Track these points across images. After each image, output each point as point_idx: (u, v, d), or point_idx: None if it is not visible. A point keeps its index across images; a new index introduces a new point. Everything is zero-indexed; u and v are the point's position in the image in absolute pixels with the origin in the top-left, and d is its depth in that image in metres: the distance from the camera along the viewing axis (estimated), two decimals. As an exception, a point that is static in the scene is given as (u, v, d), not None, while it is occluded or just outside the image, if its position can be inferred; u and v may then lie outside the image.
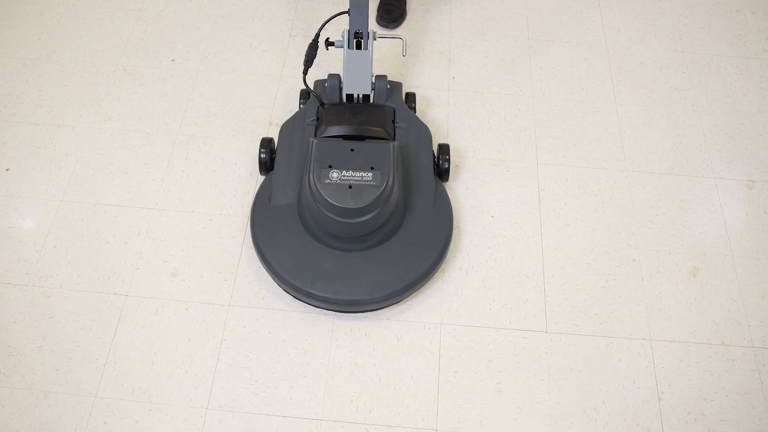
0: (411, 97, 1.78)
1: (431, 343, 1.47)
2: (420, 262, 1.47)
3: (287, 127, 1.65)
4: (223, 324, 1.48)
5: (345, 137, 1.57)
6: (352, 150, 1.47)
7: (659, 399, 1.41)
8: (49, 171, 1.72)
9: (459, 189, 1.72)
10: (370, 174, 1.43)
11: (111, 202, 1.67)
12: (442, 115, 1.87)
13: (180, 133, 1.81)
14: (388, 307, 1.50)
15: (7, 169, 1.72)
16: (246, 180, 1.72)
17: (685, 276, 1.59)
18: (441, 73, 1.97)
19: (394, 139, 1.61)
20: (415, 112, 1.76)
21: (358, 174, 1.43)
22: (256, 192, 1.60)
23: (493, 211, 1.68)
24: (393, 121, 1.64)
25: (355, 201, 1.39)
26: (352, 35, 1.56)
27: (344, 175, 1.43)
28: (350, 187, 1.41)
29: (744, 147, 1.84)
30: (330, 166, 1.44)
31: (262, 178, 1.70)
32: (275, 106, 1.87)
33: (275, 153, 1.63)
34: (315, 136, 1.61)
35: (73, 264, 1.56)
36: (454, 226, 1.62)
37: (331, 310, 1.48)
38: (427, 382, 1.41)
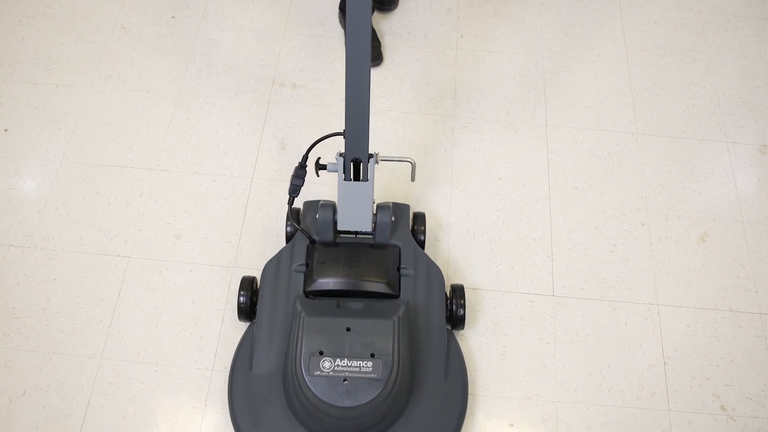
0: (420, 220, 1.48)
1: (437, 307, 1.46)
2: None
3: (271, 269, 1.37)
4: (228, 286, 1.47)
5: (338, 293, 1.32)
6: (348, 329, 1.21)
7: (665, 364, 1.41)
8: (48, 131, 1.69)
9: (466, 150, 1.68)
10: (369, 363, 1.17)
11: (112, 163, 1.64)
12: (450, 76, 1.82)
13: (181, 93, 1.77)
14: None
15: (5, 130, 1.69)
16: (249, 140, 1.69)
17: (694, 241, 1.57)
18: (449, 31, 1.92)
19: (400, 291, 1.34)
20: (425, 237, 1.47)
21: (355, 364, 1.17)
22: (235, 349, 1.34)
23: (501, 173, 1.65)
24: (398, 267, 1.37)
25: (351, 399, 1.15)
26: (348, 163, 1.24)
27: (338, 366, 1.16)
28: (345, 380, 1.16)
29: (758, 111, 1.80)
30: (321, 353, 1.18)
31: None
32: (278, 64, 1.83)
33: (257, 296, 1.37)
34: (303, 287, 1.33)
35: (75, 226, 1.54)
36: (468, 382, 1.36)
37: None
38: (433, 346, 1.41)
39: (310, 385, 1.16)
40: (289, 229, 1.46)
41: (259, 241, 1.53)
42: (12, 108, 1.72)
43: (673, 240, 1.57)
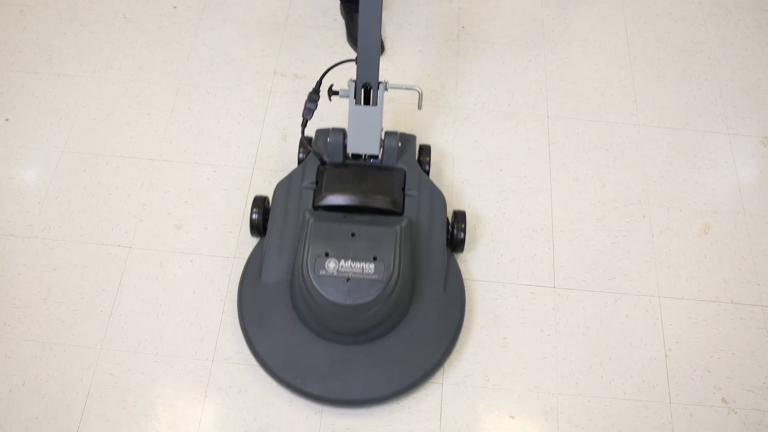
0: (425, 151, 1.51)
1: (438, 298, 1.42)
2: (424, 359, 1.28)
3: (283, 188, 1.41)
4: (229, 276, 1.43)
5: (346, 208, 1.35)
6: (353, 235, 1.25)
7: (666, 356, 1.37)
8: (49, 121, 1.65)
9: (468, 141, 1.64)
10: (372, 265, 1.21)
11: (113, 153, 1.60)
12: (451, 67, 1.78)
13: (182, 83, 1.72)
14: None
15: (6, 120, 1.65)
16: (250, 131, 1.64)
17: (695, 233, 1.53)
18: (450, 22, 1.87)
19: (403, 210, 1.37)
20: (429, 167, 1.50)
21: (358, 265, 1.21)
22: (246, 260, 1.38)
23: (502, 165, 1.61)
24: (403, 189, 1.40)
25: (353, 297, 1.19)
26: (359, 87, 1.30)
27: (342, 266, 1.21)
28: (348, 280, 1.20)
29: (760, 103, 1.75)
30: (327, 254, 1.23)
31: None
32: (280, 55, 1.78)
33: (269, 214, 1.40)
34: (313, 202, 1.38)
35: (76, 216, 1.50)
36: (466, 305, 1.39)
37: (323, 406, 1.28)
38: (434, 337, 1.37)
39: (315, 284, 1.20)
40: (301, 155, 1.49)
41: (260, 231, 1.49)
42: (13, 98, 1.68)
43: (675, 232, 1.53)
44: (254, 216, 1.39)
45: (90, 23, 1.82)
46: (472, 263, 1.47)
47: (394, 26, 1.85)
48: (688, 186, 1.60)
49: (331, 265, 1.21)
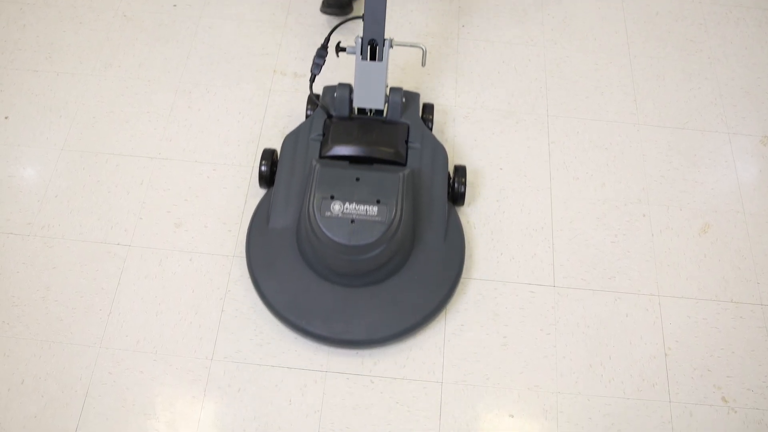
0: (428, 109, 1.57)
1: (437, 297, 1.41)
2: (425, 302, 1.32)
3: (290, 140, 1.46)
4: (228, 275, 1.42)
5: (352, 158, 1.40)
6: (358, 179, 1.30)
7: (666, 355, 1.36)
8: (49, 119, 1.63)
9: (467, 140, 1.63)
10: (375, 208, 1.26)
11: (113, 151, 1.58)
12: (451, 65, 1.76)
13: (182, 81, 1.71)
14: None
15: (6, 118, 1.63)
16: (250, 129, 1.63)
17: (695, 232, 1.52)
18: (450, 21, 1.85)
19: (406, 162, 1.42)
20: (432, 124, 1.56)
21: (362, 207, 1.26)
22: (255, 208, 1.43)
23: (502, 164, 1.60)
24: (406, 141, 1.45)
25: (357, 238, 1.24)
26: (365, 43, 1.36)
27: (347, 208, 1.26)
28: (353, 221, 1.25)
29: (760, 102, 1.74)
30: (332, 197, 1.27)
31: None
32: (280, 53, 1.76)
33: (276, 166, 1.45)
34: (320, 153, 1.42)
35: (75, 214, 1.49)
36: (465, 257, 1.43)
37: (327, 346, 1.33)
38: (433, 335, 1.36)
39: (321, 225, 1.25)
40: (309, 111, 1.54)
41: (260, 230, 1.47)
42: (13, 95, 1.66)
43: (675, 231, 1.52)
44: (263, 168, 1.44)
45: (90, 21, 1.81)
46: (472, 262, 1.45)
47: (393, 25, 1.83)
48: (687, 185, 1.59)
49: (336, 207, 1.26)
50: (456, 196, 1.46)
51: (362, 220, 1.25)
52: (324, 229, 1.25)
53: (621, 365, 1.34)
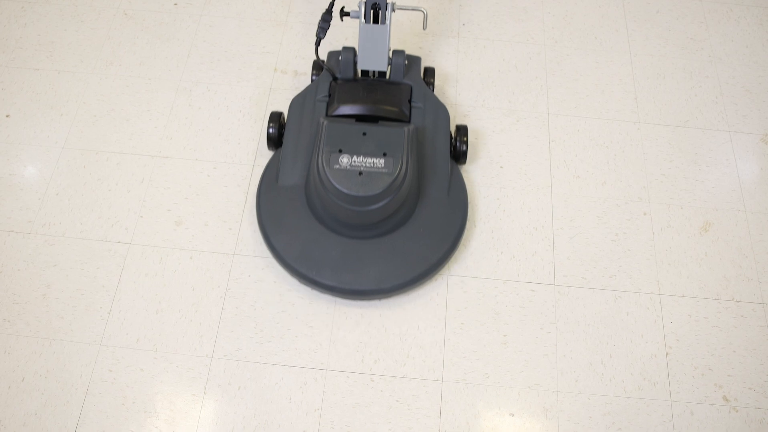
0: (430, 72, 1.61)
1: (438, 294, 1.40)
2: (430, 253, 1.36)
3: (297, 102, 1.51)
4: (228, 273, 1.41)
5: (357, 117, 1.44)
6: (364, 134, 1.34)
7: (666, 354, 1.35)
8: (50, 117, 1.62)
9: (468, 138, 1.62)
10: (382, 160, 1.31)
11: (113, 150, 1.58)
12: (452, 64, 1.75)
13: (183, 80, 1.70)
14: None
15: (7, 116, 1.62)
16: (250, 127, 1.62)
17: (696, 231, 1.51)
18: (450, 20, 1.84)
19: (410, 120, 1.47)
20: (434, 88, 1.61)
21: (369, 160, 1.31)
22: (263, 168, 1.48)
23: (503, 162, 1.59)
24: (409, 101, 1.49)
25: (365, 188, 1.28)
26: (369, 7, 1.40)
27: (355, 161, 1.31)
28: (360, 173, 1.29)
29: (761, 100, 1.73)
30: (340, 151, 1.32)
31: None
32: (280, 51, 1.75)
33: (284, 128, 1.49)
34: (326, 113, 1.47)
35: (76, 212, 1.48)
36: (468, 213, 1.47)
37: (336, 297, 1.37)
38: (434, 334, 1.35)
39: (330, 177, 1.29)
40: (314, 76, 1.60)
41: (259, 228, 1.46)
42: (14, 93, 1.66)
43: (675, 229, 1.51)
44: (271, 130, 1.49)
45: (91, 20, 1.80)
46: (472, 261, 1.44)
47: (394, 24, 1.82)
48: (688, 183, 1.58)
49: (345, 160, 1.30)
50: (458, 154, 1.50)
51: (369, 172, 1.29)
52: (333, 182, 1.28)
53: (621, 364, 1.33)
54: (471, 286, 1.41)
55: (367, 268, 1.33)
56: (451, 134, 1.50)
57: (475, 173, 1.56)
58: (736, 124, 1.68)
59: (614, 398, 1.29)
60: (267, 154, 1.57)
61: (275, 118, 1.50)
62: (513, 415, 1.27)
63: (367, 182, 1.28)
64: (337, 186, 1.28)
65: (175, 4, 1.84)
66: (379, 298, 1.36)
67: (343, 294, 1.34)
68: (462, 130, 1.50)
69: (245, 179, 1.53)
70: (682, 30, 1.86)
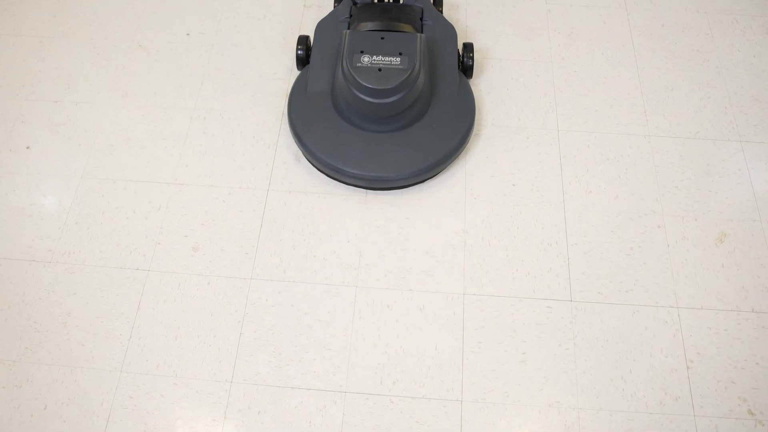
0: (438, 1, 1.81)
1: (454, 314, 1.38)
2: (444, 144, 1.52)
3: (322, 25, 1.71)
4: (246, 297, 1.40)
5: (375, 33, 1.61)
6: (382, 38, 1.52)
7: (688, 367, 1.32)
8: (68, 148, 1.64)
9: (479, 157, 1.61)
10: (398, 59, 1.48)
11: (131, 178, 1.58)
12: (460, 83, 1.75)
13: (197, 107, 1.71)
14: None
15: (27, 147, 1.64)
16: (264, 152, 1.62)
17: (712, 242, 1.48)
18: (458, 40, 1.84)
19: (422, 33, 1.64)
20: (442, 9, 1.82)
21: (387, 59, 1.48)
22: (292, 84, 1.65)
23: (515, 179, 1.57)
24: (421, 19, 1.68)
25: (384, 82, 1.45)
26: None
27: (374, 60, 1.48)
28: (380, 70, 1.46)
29: (771, 109, 1.71)
30: (361, 51, 1.49)
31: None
32: (291, 77, 1.76)
33: (311, 49, 1.67)
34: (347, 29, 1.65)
35: (95, 240, 1.49)
36: (476, 117, 1.63)
37: (361, 187, 1.54)
38: (451, 353, 1.33)
39: (353, 73, 1.46)
40: (336, 4, 1.81)
41: (276, 252, 1.46)
42: (34, 126, 1.68)
43: (691, 241, 1.48)
44: (299, 51, 1.67)
45: (106, 52, 1.82)
46: (487, 279, 1.42)
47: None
48: (702, 195, 1.56)
49: (366, 59, 1.48)
50: (465, 67, 1.67)
51: (388, 68, 1.47)
52: (356, 77, 1.46)
53: (642, 379, 1.30)
54: (487, 304, 1.39)
55: (388, 157, 1.50)
56: (458, 51, 1.67)
57: (487, 190, 1.55)
58: (747, 134, 1.66)
59: (636, 414, 1.26)
60: (282, 178, 1.58)
61: (303, 40, 1.68)
62: (534, 434, 1.24)
63: (386, 77, 1.45)
64: (360, 80, 1.45)
65: (188, 35, 1.86)
66: (400, 187, 1.53)
67: (366, 182, 1.51)
68: (468, 47, 1.67)
69: (260, 204, 1.53)
70: (688, 42, 1.85)
